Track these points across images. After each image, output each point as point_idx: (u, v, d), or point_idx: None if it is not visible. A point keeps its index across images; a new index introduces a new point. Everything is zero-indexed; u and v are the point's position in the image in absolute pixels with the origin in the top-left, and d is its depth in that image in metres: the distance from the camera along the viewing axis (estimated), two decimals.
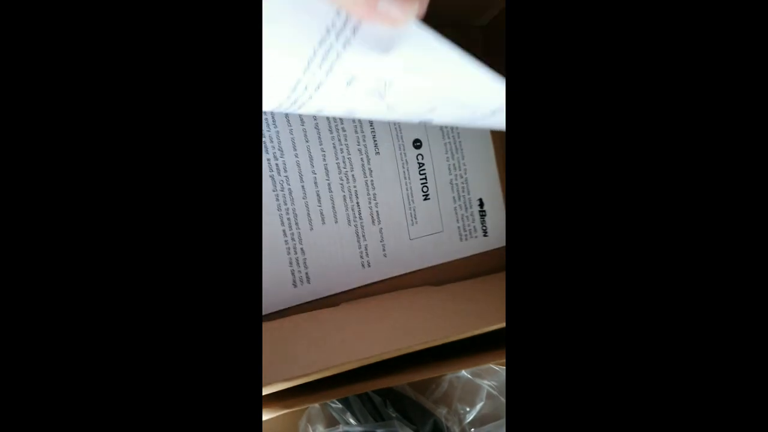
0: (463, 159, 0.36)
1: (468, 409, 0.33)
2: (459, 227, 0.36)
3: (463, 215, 0.37)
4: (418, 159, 0.35)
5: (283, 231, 0.32)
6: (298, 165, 0.32)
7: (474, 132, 0.37)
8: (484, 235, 0.37)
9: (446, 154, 0.36)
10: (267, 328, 0.30)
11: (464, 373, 0.34)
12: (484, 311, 0.30)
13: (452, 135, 0.36)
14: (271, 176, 0.31)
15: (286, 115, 0.32)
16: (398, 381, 0.27)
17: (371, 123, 0.34)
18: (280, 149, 0.32)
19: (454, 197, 0.36)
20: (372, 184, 0.34)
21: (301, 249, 0.32)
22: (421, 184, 0.35)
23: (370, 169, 0.34)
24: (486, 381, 0.35)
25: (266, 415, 0.24)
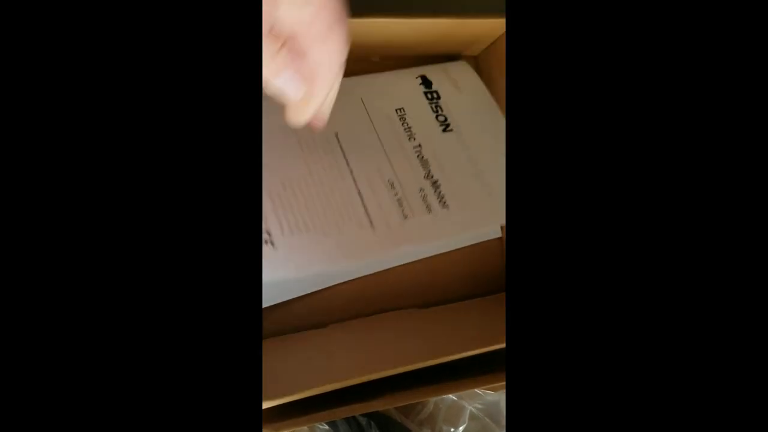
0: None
1: (452, 430, 0.34)
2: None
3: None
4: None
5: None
6: None
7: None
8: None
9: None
10: None
11: (449, 395, 0.35)
12: (470, 335, 0.31)
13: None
14: None
15: None
16: (384, 405, 0.28)
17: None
18: None
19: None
20: None
21: None
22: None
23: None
24: (470, 403, 0.36)
25: None
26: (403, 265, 0.36)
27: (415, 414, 0.34)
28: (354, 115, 0.34)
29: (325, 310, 0.35)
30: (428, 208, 0.34)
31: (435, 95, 0.36)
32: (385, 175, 0.34)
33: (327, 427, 0.28)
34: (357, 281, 0.35)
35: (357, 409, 0.27)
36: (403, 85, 0.36)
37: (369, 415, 0.30)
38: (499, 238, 0.38)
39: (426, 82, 0.36)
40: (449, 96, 0.36)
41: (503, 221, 0.36)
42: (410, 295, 0.37)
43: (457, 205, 0.34)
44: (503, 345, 0.27)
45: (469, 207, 0.34)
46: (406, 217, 0.33)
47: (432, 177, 0.34)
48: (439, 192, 0.34)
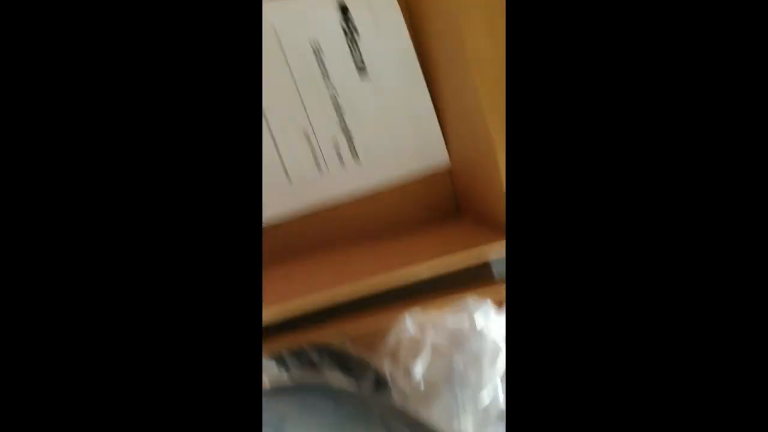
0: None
1: (416, 362, 0.32)
2: None
3: None
4: None
5: None
6: None
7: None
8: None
9: None
10: None
11: (409, 329, 0.33)
12: (424, 256, 0.29)
13: None
14: None
15: None
16: (335, 332, 0.25)
17: None
18: None
19: None
20: None
21: None
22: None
23: None
24: (432, 336, 0.34)
25: None
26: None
27: (376, 350, 0.32)
28: (266, 52, 0.31)
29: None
30: (341, 161, 0.33)
31: (352, 29, 0.34)
32: (300, 124, 0.32)
33: (273, 362, 0.26)
34: (297, 220, 0.33)
35: (305, 337, 0.24)
36: (320, 13, 0.33)
37: (322, 351, 0.27)
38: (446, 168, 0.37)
39: (344, 10, 0.34)
40: (367, 32, 0.34)
41: (415, 171, 0.35)
42: (359, 230, 0.35)
43: (366, 157, 0.34)
44: (461, 264, 0.26)
45: (378, 159, 0.34)
46: (320, 170, 0.33)
47: (346, 127, 0.33)
48: (352, 143, 0.34)
